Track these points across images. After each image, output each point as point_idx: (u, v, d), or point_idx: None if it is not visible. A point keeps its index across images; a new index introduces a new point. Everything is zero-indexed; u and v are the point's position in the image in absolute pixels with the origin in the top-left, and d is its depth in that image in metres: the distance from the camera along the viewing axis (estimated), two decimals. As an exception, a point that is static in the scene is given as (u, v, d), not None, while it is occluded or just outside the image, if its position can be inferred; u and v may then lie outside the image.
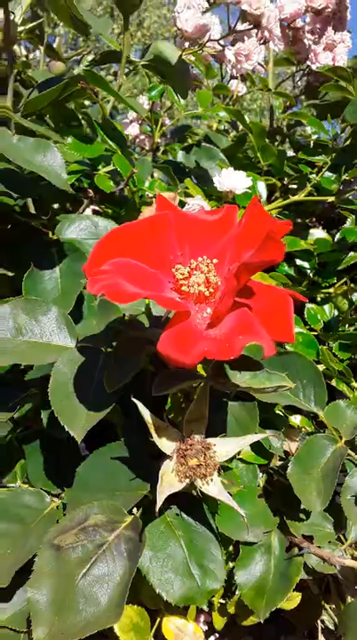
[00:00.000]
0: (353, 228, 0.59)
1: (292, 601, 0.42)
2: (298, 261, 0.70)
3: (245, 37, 0.56)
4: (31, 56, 0.94)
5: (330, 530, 0.41)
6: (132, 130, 0.96)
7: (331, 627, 0.48)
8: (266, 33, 0.57)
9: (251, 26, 0.56)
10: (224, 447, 0.33)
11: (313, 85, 0.97)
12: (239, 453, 0.43)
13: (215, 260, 0.32)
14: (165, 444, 0.33)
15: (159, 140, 0.82)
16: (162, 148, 0.93)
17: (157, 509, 0.30)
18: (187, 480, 0.32)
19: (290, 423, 0.48)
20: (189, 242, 0.33)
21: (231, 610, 0.41)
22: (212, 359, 0.26)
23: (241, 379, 0.31)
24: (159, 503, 0.30)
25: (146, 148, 0.91)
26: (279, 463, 0.45)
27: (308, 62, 0.87)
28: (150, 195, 0.61)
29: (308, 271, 0.70)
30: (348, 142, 0.64)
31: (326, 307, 0.67)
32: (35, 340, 0.39)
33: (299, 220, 0.76)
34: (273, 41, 0.58)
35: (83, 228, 0.56)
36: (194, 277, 0.31)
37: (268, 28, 0.56)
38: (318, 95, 0.96)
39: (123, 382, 0.35)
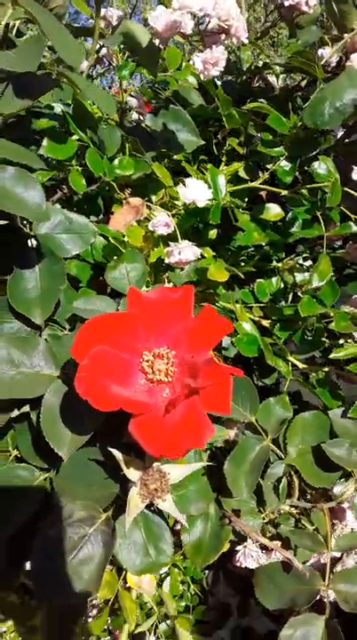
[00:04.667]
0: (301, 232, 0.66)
1: (225, 547, 0.57)
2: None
3: (213, 45, 0.58)
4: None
5: (254, 505, 0.55)
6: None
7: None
8: (234, 39, 0.59)
9: (221, 31, 0.58)
10: (176, 472, 0.45)
11: (285, 19, 0.96)
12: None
13: (173, 352, 0.41)
14: (132, 474, 0.44)
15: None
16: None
17: (126, 526, 0.43)
18: (148, 500, 0.44)
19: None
20: (154, 329, 0.42)
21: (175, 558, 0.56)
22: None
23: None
24: (128, 523, 0.42)
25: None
26: (220, 444, 0.58)
27: (281, -3, 0.87)
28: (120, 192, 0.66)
29: (263, 243, 0.78)
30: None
31: (273, 279, 0.76)
32: (27, 371, 0.49)
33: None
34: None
35: (58, 223, 0.61)
36: (156, 364, 0.41)
37: (237, 35, 0.59)
38: (293, 29, 0.96)
39: (100, 420, 0.45)
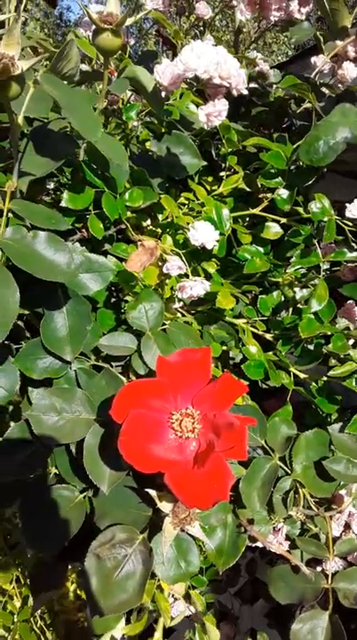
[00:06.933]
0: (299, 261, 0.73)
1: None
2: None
3: (216, 98, 0.63)
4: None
5: (265, 515, 0.63)
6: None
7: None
8: (234, 91, 0.64)
9: (222, 85, 0.63)
10: (201, 502, 0.54)
11: (277, 23, 0.99)
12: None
13: (198, 412, 0.49)
14: (164, 506, 0.52)
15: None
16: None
17: (165, 550, 0.51)
18: (179, 528, 0.52)
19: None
20: (180, 390, 0.49)
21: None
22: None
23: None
24: (165, 548, 0.51)
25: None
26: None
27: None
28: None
29: (265, 257, 0.85)
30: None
31: (274, 293, 0.83)
32: (69, 416, 0.56)
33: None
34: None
35: (79, 264, 0.67)
36: (183, 422, 0.48)
37: (237, 88, 0.63)
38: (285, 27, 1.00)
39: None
